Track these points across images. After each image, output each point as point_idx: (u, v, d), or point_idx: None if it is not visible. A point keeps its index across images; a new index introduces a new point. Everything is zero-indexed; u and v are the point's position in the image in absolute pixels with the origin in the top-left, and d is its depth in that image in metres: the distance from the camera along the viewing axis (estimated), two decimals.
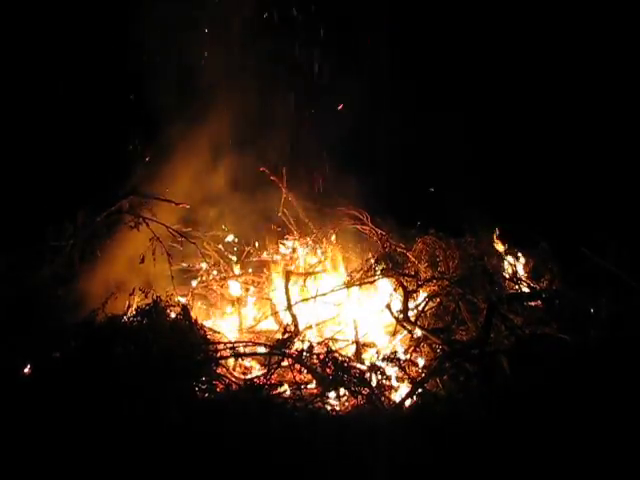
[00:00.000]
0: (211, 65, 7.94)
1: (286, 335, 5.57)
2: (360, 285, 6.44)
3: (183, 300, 6.32)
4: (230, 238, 7.70)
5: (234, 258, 7.53)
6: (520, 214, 7.88)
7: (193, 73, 7.85)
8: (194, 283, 7.09)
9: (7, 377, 5.14)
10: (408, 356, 5.43)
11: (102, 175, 7.89)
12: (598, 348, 5.28)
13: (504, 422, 4.42)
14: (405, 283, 6.26)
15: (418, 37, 9.19)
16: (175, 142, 7.39)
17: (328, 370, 5.14)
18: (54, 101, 8.36)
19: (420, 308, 6.15)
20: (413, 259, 6.85)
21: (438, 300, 6.18)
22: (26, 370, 5.27)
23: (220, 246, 7.57)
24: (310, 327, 6.10)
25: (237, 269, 7.30)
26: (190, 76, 7.83)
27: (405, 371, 5.22)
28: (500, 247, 7.15)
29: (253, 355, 5.63)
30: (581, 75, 9.01)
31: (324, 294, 6.42)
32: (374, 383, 5.03)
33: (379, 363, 5.24)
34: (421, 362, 5.42)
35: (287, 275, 6.50)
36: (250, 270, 7.35)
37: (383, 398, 4.95)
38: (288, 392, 5.13)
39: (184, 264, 7.22)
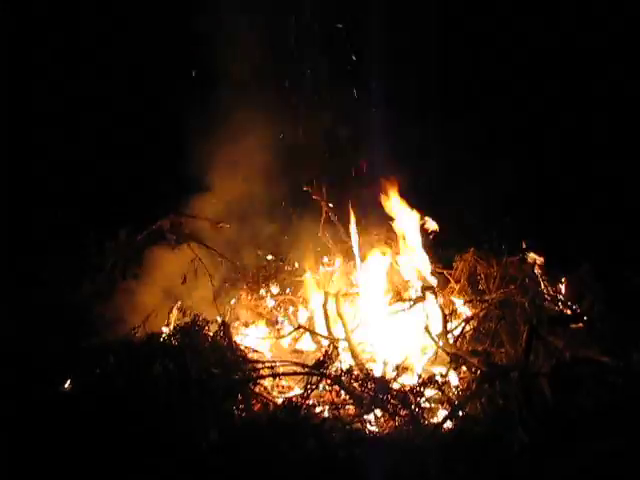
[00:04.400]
0: (254, 81, 7.97)
1: (325, 356, 5.55)
2: (398, 306, 6.39)
3: (222, 319, 6.32)
4: (269, 257, 7.71)
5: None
6: (562, 235, 7.79)
7: (235, 89, 7.88)
8: (233, 302, 7.10)
9: (48, 392, 5.21)
10: (447, 378, 5.38)
11: (144, 194, 7.99)
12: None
13: (544, 446, 4.36)
14: (444, 305, 6.24)
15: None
16: (217, 161, 7.44)
17: (366, 392, 5.12)
18: (96, 120, 8.47)
19: (459, 330, 6.11)
20: (452, 280, 6.84)
21: (477, 322, 6.13)
22: (66, 385, 5.35)
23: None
24: (349, 348, 6.06)
25: (275, 288, 7.30)
26: (232, 93, 7.86)
27: (444, 393, 5.18)
28: (541, 268, 7.05)
29: (291, 375, 5.61)
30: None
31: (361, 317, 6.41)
32: (413, 405, 5.00)
33: (417, 385, 5.19)
34: (460, 384, 5.38)
35: (326, 296, 6.49)
36: (289, 290, 7.34)
37: (422, 420, 4.92)
38: (326, 413, 5.12)
39: (226, 284, 7.22)
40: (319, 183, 7.93)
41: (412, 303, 6.29)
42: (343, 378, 5.20)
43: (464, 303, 6.59)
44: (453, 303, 6.61)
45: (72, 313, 6.15)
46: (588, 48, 8.82)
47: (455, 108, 9.02)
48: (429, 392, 5.20)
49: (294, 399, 5.13)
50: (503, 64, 9.10)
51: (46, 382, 5.35)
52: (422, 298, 6.30)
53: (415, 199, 7.28)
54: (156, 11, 8.32)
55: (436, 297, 6.35)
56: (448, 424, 4.90)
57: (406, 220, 7.08)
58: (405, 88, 8.76)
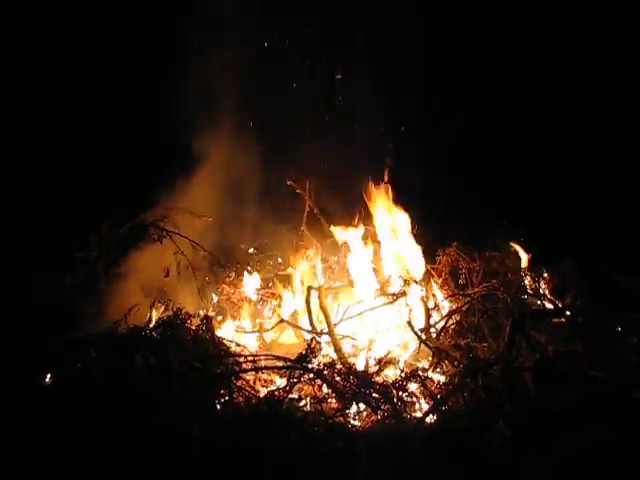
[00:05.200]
0: (240, 77, 7.94)
1: (307, 349, 5.54)
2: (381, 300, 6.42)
3: (205, 312, 6.31)
4: (251, 250, 7.71)
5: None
6: (545, 229, 7.82)
7: (220, 83, 7.86)
8: (216, 296, 7.07)
9: (28, 386, 5.17)
10: (429, 372, 5.39)
11: (126, 187, 7.95)
12: (624, 367, 5.22)
13: (526, 439, 4.37)
14: (427, 299, 6.26)
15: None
16: (201, 155, 7.41)
17: (349, 385, 5.12)
18: (79, 111, 8.40)
19: (442, 324, 6.11)
20: (435, 275, 6.85)
21: (460, 316, 6.14)
22: (46, 379, 5.31)
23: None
24: (332, 342, 6.05)
25: (258, 282, 7.29)
26: (218, 86, 7.84)
27: (426, 387, 5.18)
28: (523, 262, 7.07)
29: (274, 369, 5.60)
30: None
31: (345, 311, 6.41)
32: (395, 399, 5.00)
33: (400, 379, 5.19)
34: (442, 378, 5.38)
35: (309, 290, 6.49)
36: (271, 284, 7.33)
37: (404, 414, 4.93)
38: (308, 406, 5.11)
39: (207, 278, 7.18)
40: (303, 177, 7.94)
41: (394, 298, 6.30)
42: (325, 372, 5.19)
43: (447, 297, 6.60)
44: (436, 297, 6.62)
45: (54, 306, 6.11)
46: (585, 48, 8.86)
47: (449, 106, 9.05)
48: (412, 386, 5.20)
49: (276, 393, 5.12)
50: (499, 61, 9.11)
51: (26, 375, 5.30)
52: (403, 293, 6.31)
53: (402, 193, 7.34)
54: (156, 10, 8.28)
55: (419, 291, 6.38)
56: (431, 418, 4.90)
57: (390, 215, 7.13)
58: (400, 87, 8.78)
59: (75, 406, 4.69)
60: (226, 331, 6.51)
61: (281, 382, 5.45)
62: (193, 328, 5.62)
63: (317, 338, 5.77)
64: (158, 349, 5.20)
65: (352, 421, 4.96)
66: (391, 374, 5.43)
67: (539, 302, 6.52)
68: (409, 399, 5.07)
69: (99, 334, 5.63)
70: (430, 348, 5.73)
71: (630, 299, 6.12)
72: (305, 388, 5.32)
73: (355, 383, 5.11)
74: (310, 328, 6.25)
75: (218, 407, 4.96)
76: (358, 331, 6.27)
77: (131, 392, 4.73)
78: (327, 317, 6.12)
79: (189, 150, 7.38)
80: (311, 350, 5.37)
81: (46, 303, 6.16)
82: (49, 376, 5.37)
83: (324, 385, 5.20)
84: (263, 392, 5.27)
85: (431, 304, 6.39)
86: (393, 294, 6.35)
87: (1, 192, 7.00)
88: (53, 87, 8.36)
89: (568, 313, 6.15)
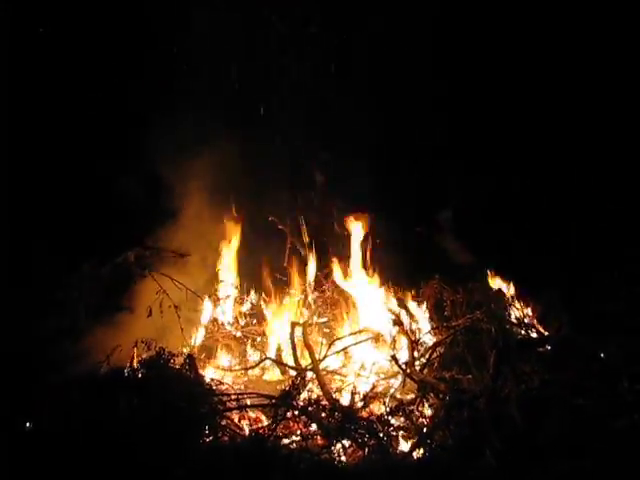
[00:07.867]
0: (218, 120, 7.99)
1: (292, 386, 5.50)
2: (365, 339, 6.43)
3: (188, 351, 6.27)
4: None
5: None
6: (527, 259, 7.83)
7: (199, 120, 7.90)
8: (199, 335, 7.02)
9: (7, 432, 5.09)
10: (415, 406, 5.35)
11: (108, 227, 7.91)
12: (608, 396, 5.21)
13: (512, 470, 4.34)
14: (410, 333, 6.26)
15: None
16: (181, 195, 7.42)
17: (334, 421, 5.07)
18: (60, 148, 8.36)
19: (427, 357, 6.09)
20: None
21: (444, 348, 6.12)
22: (27, 425, 5.23)
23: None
24: (317, 378, 6.01)
25: (241, 320, 7.25)
26: (198, 124, 7.87)
27: (412, 421, 5.14)
28: (507, 293, 7.10)
29: (258, 407, 5.55)
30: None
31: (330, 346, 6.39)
32: (381, 434, 4.96)
33: (386, 414, 5.16)
34: (428, 411, 5.34)
35: (292, 326, 6.47)
36: (254, 322, 7.29)
37: (390, 449, 4.88)
38: (294, 444, 5.06)
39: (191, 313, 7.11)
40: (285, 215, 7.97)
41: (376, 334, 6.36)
42: (310, 409, 5.15)
43: (431, 330, 6.59)
44: (420, 330, 6.63)
45: (33, 348, 6.05)
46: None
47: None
48: (398, 421, 5.17)
49: (261, 431, 5.07)
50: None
51: (9, 421, 5.22)
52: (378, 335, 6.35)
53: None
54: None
55: (403, 327, 6.39)
56: (417, 451, 4.86)
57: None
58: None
59: (57, 450, 4.62)
60: (210, 369, 6.46)
61: (266, 420, 5.41)
62: (177, 367, 5.57)
63: (301, 374, 5.74)
64: (141, 390, 5.16)
65: (338, 457, 4.90)
66: (377, 409, 5.40)
67: (523, 332, 6.53)
68: (395, 433, 5.04)
69: (82, 376, 5.57)
70: (415, 381, 5.69)
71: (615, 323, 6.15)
72: (291, 424, 5.27)
73: (340, 419, 5.07)
74: (294, 364, 6.20)
75: (202, 447, 4.88)
76: (344, 366, 6.27)
77: (113, 435, 4.67)
78: (311, 353, 6.09)
79: (173, 190, 7.39)
80: (295, 387, 5.35)
81: (25, 345, 6.10)
82: (30, 422, 5.28)
83: (309, 422, 5.16)
84: (248, 431, 5.22)
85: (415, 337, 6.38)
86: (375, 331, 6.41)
87: None
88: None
89: (552, 342, 6.16)
